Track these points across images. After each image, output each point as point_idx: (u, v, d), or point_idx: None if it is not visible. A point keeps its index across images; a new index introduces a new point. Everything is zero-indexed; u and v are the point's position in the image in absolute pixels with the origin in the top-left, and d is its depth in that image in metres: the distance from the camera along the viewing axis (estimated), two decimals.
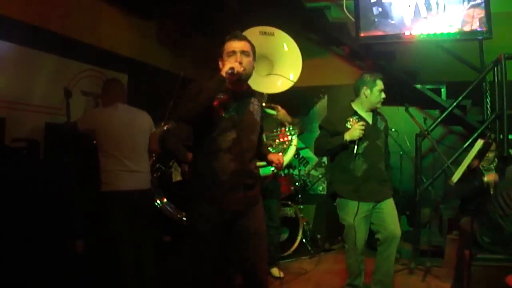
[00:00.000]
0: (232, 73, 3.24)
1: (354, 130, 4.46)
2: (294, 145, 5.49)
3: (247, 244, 3.51)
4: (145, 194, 4.63)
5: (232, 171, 3.36)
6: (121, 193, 4.41)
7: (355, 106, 4.72)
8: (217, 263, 3.52)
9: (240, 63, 3.32)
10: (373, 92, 4.60)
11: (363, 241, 4.60)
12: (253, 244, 3.51)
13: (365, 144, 4.55)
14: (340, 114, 4.74)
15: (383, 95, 4.62)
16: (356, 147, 4.46)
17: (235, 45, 3.40)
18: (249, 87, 3.61)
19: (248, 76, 3.48)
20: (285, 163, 5.65)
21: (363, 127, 4.46)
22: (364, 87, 4.62)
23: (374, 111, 4.75)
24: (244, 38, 3.46)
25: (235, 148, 3.36)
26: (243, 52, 3.39)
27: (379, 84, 4.60)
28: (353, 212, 4.49)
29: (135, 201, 4.47)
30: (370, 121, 4.67)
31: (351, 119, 4.58)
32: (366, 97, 4.63)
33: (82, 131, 4.50)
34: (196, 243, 3.45)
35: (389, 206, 4.62)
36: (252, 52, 3.49)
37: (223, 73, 3.22)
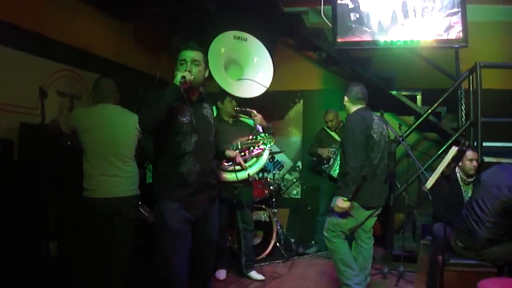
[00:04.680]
0: (184, 81, 3.52)
1: None
2: (267, 149, 5.54)
3: (201, 246, 3.81)
4: (126, 201, 4.41)
5: (198, 172, 3.65)
6: (101, 200, 4.25)
7: None
8: (187, 257, 3.68)
9: (190, 71, 3.61)
10: None
11: None
12: (206, 246, 3.86)
13: None
14: None
15: None
16: None
17: (188, 54, 3.69)
18: (201, 93, 3.89)
19: (198, 83, 3.73)
20: (259, 168, 5.71)
21: None
22: None
23: None
24: (198, 49, 3.74)
25: (198, 150, 3.67)
26: (193, 62, 3.68)
27: None
28: None
29: (115, 208, 4.31)
30: None
31: None
32: None
33: (65, 131, 4.37)
34: (167, 237, 3.63)
35: None
36: (204, 61, 3.78)
37: (176, 81, 3.50)
